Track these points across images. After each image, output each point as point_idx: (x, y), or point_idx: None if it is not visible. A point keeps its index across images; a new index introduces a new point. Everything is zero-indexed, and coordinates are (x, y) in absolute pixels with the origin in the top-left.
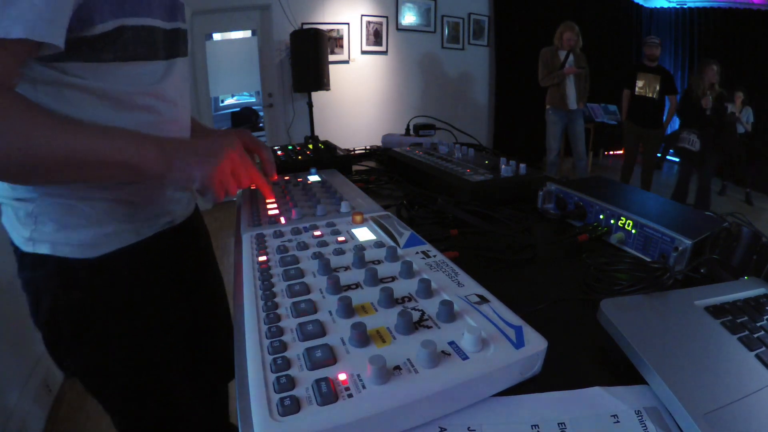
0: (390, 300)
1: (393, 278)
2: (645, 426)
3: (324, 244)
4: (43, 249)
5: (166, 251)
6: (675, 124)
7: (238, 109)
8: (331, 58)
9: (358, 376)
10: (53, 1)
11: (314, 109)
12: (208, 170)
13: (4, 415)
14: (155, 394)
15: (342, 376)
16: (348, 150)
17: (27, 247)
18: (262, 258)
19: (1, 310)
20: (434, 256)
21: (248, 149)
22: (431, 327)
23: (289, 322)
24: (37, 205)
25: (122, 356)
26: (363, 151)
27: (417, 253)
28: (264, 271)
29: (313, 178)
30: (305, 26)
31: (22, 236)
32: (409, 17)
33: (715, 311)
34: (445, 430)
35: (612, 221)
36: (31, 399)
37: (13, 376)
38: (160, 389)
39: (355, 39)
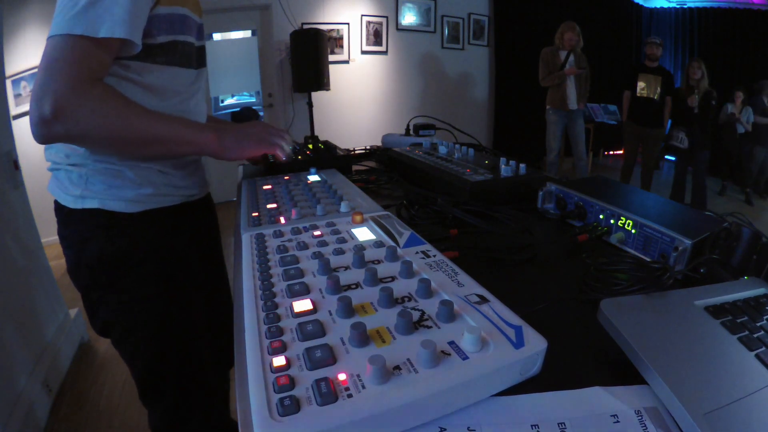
0: (390, 300)
1: (393, 278)
2: (645, 426)
3: (324, 243)
4: (93, 204)
5: (191, 217)
6: None
7: (238, 108)
8: (331, 58)
9: (358, 376)
10: (138, 15)
11: (314, 109)
12: (250, 147)
13: (12, 400)
14: (176, 341)
15: (342, 376)
16: (348, 150)
17: (76, 204)
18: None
19: (10, 299)
20: (434, 255)
21: None
22: (431, 327)
23: (289, 322)
24: (89, 170)
25: (152, 301)
26: (363, 151)
27: (417, 252)
28: (264, 270)
29: (313, 177)
30: (305, 26)
31: (72, 195)
32: (409, 17)
33: (715, 311)
34: (445, 430)
35: (612, 221)
36: (38, 385)
37: (21, 361)
38: (180, 337)
39: (355, 39)
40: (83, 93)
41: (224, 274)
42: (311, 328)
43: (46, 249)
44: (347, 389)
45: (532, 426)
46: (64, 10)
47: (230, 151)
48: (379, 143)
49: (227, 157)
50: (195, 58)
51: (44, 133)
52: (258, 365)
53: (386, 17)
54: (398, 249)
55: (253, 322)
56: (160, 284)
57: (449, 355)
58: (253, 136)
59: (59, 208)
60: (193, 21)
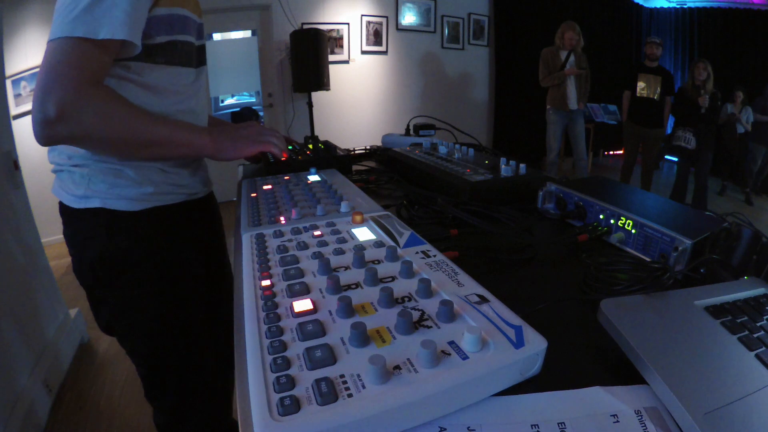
0: (390, 300)
1: (393, 278)
2: (645, 426)
3: (324, 243)
4: (95, 203)
5: (192, 216)
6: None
7: (238, 109)
8: (331, 58)
9: (358, 376)
10: (137, 16)
11: (314, 109)
12: (245, 148)
13: (12, 399)
14: (177, 340)
15: (342, 376)
16: (348, 150)
17: (79, 204)
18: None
19: (11, 299)
20: (434, 255)
21: None
22: (431, 327)
23: (289, 322)
24: (91, 170)
25: (153, 300)
26: (363, 151)
27: (417, 252)
28: (264, 270)
29: (313, 177)
30: (305, 26)
31: (75, 195)
32: (409, 17)
33: (715, 311)
34: (445, 430)
35: (612, 221)
36: (38, 385)
37: (21, 361)
38: (182, 336)
39: (355, 39)
40: (87, 95)
41: (227, 273)
42: (311, 328)
43: (47, 249)
44: (347, 389)
45: (532, 426)
46: (64, 12)
47: (225, 152)
48: (379, 143)
49: (223, 158)
50: (195, 57)
51: (47, 135)
52: (258, 365)
53: (386, 17)
54: (398, 249)
55: (253, 322)
56: (161, 282)
57: (449, 355)
58: (247, 136)
59: (63, 209)
60: (193, 21)
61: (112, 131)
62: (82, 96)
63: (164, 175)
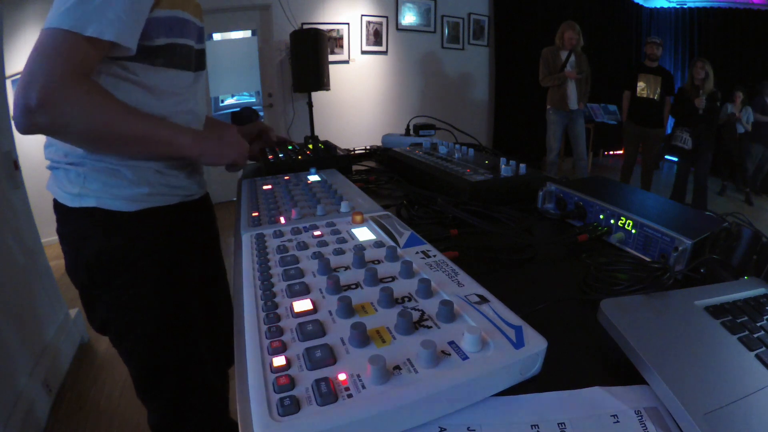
0: (390, 300)
1: (393, 278)
2: (645, 426)
3: (324, 243)
4: (90, 202)
5: (188, 217)
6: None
7: (238, 109)
8: (331, 58)
9: (358, 376)
10: (131, 19)
11: (314, 109)
12: (230, 155)
13: (12, 400)
14: (173, 340)
15: (342, 376)
16: (348, 150)
17: (74, 203)
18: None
19: (11, 299)
20: (434, 255)
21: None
22: (431, 327)
23: (289, 322)
24: (87, 168)
25: (148, 300)
26: (363, 151)
27: (417, 252)
28: (264, 270)
29: (313, 177)
30: (305, 26)
31: (70, 193)
32: (409, 17)
33: (715, 311)
34: (445, 430)
35: (612, 221)
36: (38, 385)
37: (21, 361)
38: (177, 336)
39: (355, 39)
40: (69, 86)
41: (222, 273)
42: (311, 328)
43: (46, 249)
44: (347, 389)
45: (532, 426)
46: (58, 3)
47: (207, 157)
48: (379, 143)
49: (204, 162)
50: (194, 60)
51: (28, 123)
52: (258, 365)
53: (386, 17)
54: (398, 249)
55: (253, 322)
56: (156, 283)
57: (449, 355)
58: (233, 145)
59: (58, 207)
60: (193, 24)
61: (91, 124)
62: (65, 86)
63: (160, 176)
